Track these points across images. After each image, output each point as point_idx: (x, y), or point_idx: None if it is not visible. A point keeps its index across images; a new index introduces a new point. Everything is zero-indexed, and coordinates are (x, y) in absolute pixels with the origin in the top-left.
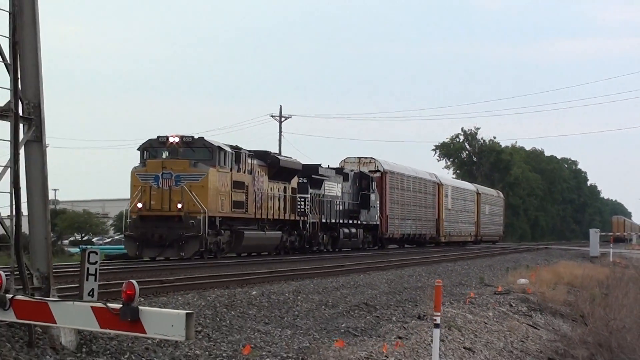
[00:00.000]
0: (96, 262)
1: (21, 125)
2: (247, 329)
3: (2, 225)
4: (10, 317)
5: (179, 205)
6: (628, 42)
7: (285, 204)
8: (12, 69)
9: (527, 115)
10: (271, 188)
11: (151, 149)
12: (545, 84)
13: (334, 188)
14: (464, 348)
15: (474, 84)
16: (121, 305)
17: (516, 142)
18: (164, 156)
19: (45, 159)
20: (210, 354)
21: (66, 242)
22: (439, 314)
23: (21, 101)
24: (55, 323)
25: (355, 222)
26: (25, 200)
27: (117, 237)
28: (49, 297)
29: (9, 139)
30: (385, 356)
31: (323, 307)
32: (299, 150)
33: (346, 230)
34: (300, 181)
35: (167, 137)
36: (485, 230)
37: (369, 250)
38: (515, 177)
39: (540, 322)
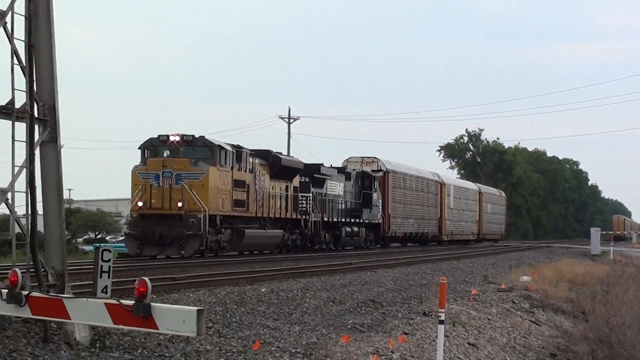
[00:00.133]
0: (109, 260)
1: (37, 127)
2: (257, 325)
3: (18, 223)
4: (26, 313)
5: (180, 204)
6: (628, 46)
7: (287, 203)
8: (27, 71)
9: (530, 117)
10: (273, 187)
11: (152, 147)
12: (547, 86)
13: (336, 187)
14: (468, 344)
15: (478, 87)
16: (134, 302)
17: (519, 143)
18: (164, 155)
19: (60, 159)
20: (221, 349)
21: (80, 240)
22: (443, 310)
23: (37, 103)
24: (70, 319)
25: (357, 220)
26: (41, 199)
27: None
28: (63, 294)
29: (25, 139)
30: (391, 351)
31: (331, 303)
32: (307, 150)
33: (348, 229)
34: (302, 180)
35: (167, 136)
36: (487, 228)
37: (372, 248)
38: (518, 177)
39: (543, 318)
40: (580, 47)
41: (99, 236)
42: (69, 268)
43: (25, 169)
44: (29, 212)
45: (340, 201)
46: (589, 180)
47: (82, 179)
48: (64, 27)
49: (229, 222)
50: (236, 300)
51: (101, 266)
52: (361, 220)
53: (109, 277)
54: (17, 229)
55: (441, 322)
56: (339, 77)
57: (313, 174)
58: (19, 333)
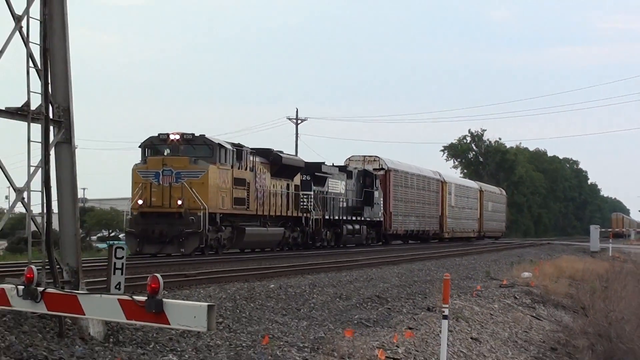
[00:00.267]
0: (122, 257)
1: (51, 128)
2: (266, 320)
3: (33, 222)
4: (41, 309)
5: (179, 202)
6: (625, 49)
7: (288, 201)
8: (43, 74)
9: (531, 118)
10: (274, 185)
11: (152, 146)
12: (547, 88)
13: (337, 185)
14: (471, 338)
15: (481, 88)
16: (146, 298)
17: (520, 143)
18: (165, 153)
19: (75, 160)
20: (231, 344)
21: (94, 238)
22: (447, 306)
23: (51, 105)
24: (84, 315)
25: (358, 218)
26: (56, 198)
27: None
28: (78, 290)
29: (40, 140)
30: (397, 346)
31: (337, 299)
32: (314, 151)
33: (349, 227)
34: (303, 178)
35: (167, 135)
36: (488, 226)
37: (373, 246)
38: (519, 176)
39: (543, 313)
40: (580, 50)
41: (112, 234)
42: (83, 265)
43: (40, 169)
44: (44, 210)
45: (341, 199)
46: (588, 179)
47: (96, 178)
48: (78, 28)
49: (229, 220)
50: (246, 296)
51: (114, 263)
52: (362, 218)
53: (122, 274)
54: (33, 227)
55: (445, 317)
56: (345, 80)
57: (314, 172)
58: (35, 328)
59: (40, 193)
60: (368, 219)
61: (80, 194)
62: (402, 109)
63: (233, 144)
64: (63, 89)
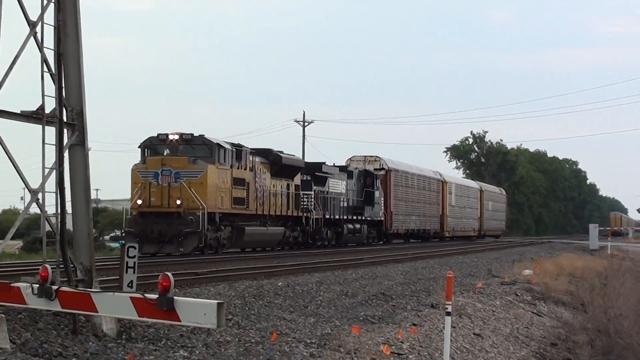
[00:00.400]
0: (135, 256)
1: (65, 131)
2: (274, 317)
3: (48, 222)
4: (56, 306)
5: (178, 202)
6: (623, 51)
7: (288, 201)
8: (57, 78)
9: (531, 120)
10: (274, 185)
11: (151, 146)
12: (548, 90)
13: (338, 185)
14: (474, 334)
15: (483, 91)
16: (158, 296)
17: (521, 144)
18: (164, 153)
19: (88, 161)
20: (240, 340)
21: (107, 237)
22: (450, 302)
23: (65, 108)
24: (97, 312)
25: (359, 218)
26: (70, 199)
27: None
28: (91, 288)
29: (55, 143)
30: (401, 342)
31: (343, 296)
32: (320, 152)
33: (350, 226)
34: (304, 178)
35: (166, 135)
36: (488, 225)
37: (374, 245)
38: (520, 176)
39: (544, 310)
40: (579, 53)
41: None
42: (96, 264)
43: (55, 171)
44: (59, 211)
45: (342, 199)
46: (587, 179)
47: (109, 179)
48: (91, 35)
49: (229, 220)
50: (254, 293)
51: (127, 262)
52: (363, 218)
53: (134, 273)
54: (48, 227)
55: (448, 313)
56: (350, 83)
57: (315, 172)
58: (50, 325)
59: (54, 194)
60: (369, 219)
61: (93, 195)
62: (406, 111)
63: (233, 144)
64: (76, 93)
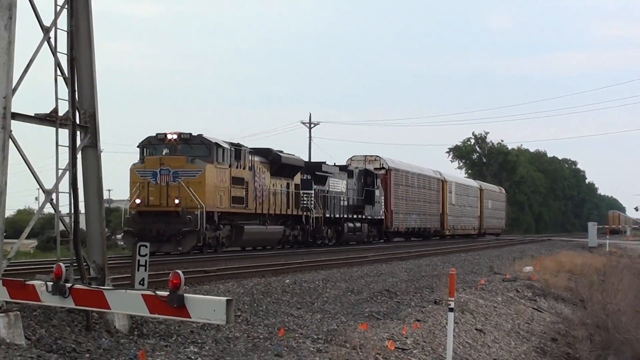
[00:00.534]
0: (146, 255)
1: (78, 133)
2: (282, 314)
3: (62, 222)
4: (69, 304)
5: (176, 201)
6: (620, 54)
7: (288, 200)
8: (70, 82)
9: (532, 121)
10: (273, 184)
11: (150, 146)
12: (547, 92)
13: (338, 184)
14: (476, 329)
15: (484, 93)
16: (168, 293)
17: (522, 144)
18: (163, 153)
19: (100, 163)
20: (249, 335)
21: (119, 236)
22: (453, 299)
23: (78, 111)
24: (110, 309)
25: (360, 216)
26: (83, 199)
27: None
28: (104, 286)
29: (68, 145)
30: (405, 337)
31: (349, 293)
32: (326, 152)
33: (351, 225)
34: (304, 178)
35: (165, 134)
36: (488, 223)
37: (375, 243)
38: (521, 176)
39: (544, 306)
40: (577, 55)
41: None
42: (108, 262)
43: (68, 172)
44: (72, 211)
45: (342, 198)
46: (586, 178)
47: (121, 180)
48: (104, 41)
49: (228, 219)
50: (262, 290)
51: (138, 260)
52: (364, 216)
53: (145, 270)
54: (61, 227)
55: (451, 309)
56: (356, 86)
57: (315, 171)
58: (64, 322)
59: (68, 194)
60: (369, 217)
61: (105, 195)
62: (409, 113)
63: (231, 144)
64: (89, 96)
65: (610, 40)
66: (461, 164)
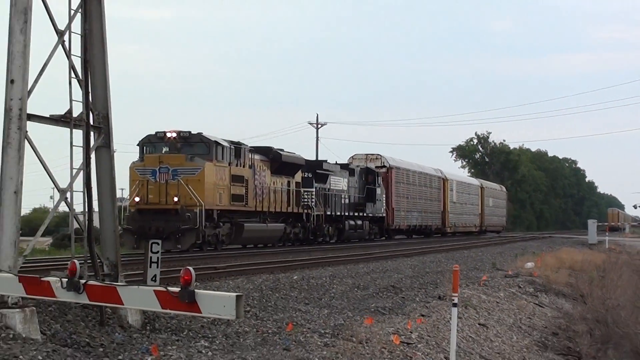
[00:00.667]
0: (158, 252)
1: (92, 133)
2: (290, 309)
3: (76, 220)
4: (83, 299)
5: (175, 199)
6: (619, 56)
7: (289, 197)
8: (83, 84)
9: (533, 121)
10: (274, 182)
11: (150, 144)
12: (548, 93)
13: (339, 182)
14: (479, 324)
15: (486, 94)
16: (180, 289)
17: (523, 144)
18: (162, 151)
19: (113, 162)
20: (258, 330)
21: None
22: (456, 294)
23: (92, 112)
24: (123, 304)
25: (361, 214)
26: (96, 198)
27: None
28: (117, 282)
29: (82, 145)
30: (410, 332)
31: (355, 289)
32: (333, 152)
33: (352, 222)
34: (305, 176)
35: (164, 133)
36: (489, 221)
37: (376, 240)
38: (522, 175)
39: (545, 301)
40: (577, 57)
41: None
42: (121, 259)
43: (82, 171)
44: (86, 209)
45: (343, 196)
46: (586, 177)
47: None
48: (117, 44)
49: (227, 217)
50: (271, 286)
51: (150, 257)
52: (365, 214)
53: (157, 267)
54: (76, 225)
55: (454, 305)
56: (362, 88)
57: (316, 169)
58: (78, 317)
59: (82, 193)
60: (370, 215)
61: (118, 194)
62: (414, 114)
63: (231, 142)
64: (102, 98)
65: (610, 42)
66: (464, 163)
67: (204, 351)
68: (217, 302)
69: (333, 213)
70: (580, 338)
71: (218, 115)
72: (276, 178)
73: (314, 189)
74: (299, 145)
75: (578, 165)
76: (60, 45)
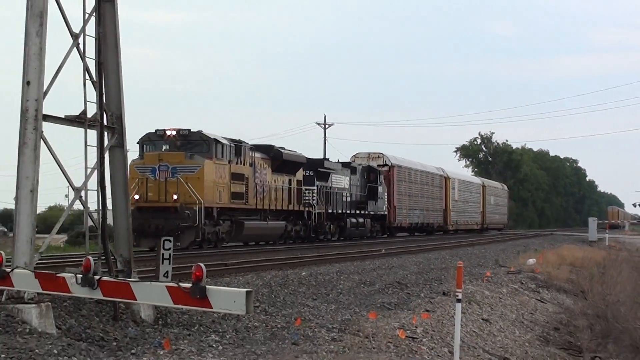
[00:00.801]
0: (170, 249)
1: (106, 134)
2: (298, 304)
3: (90, 217)
4: (98, 295)
5: (175, 197)
6: (619, 58)
7: (290, 196)
8: (97, 85)
9: (535, 122)
10: (275, 180)
11: (149, 142)
12: (550, 94)
13: (341, 180)
14: (482, 319)
15: (489, 96)
16: (191, 285)
17: (525, 144)
18: (162, 149)
19: (127, 162)
20: (267, 325)
21: None
22: (460, 290)
23: (105, 113)
24: (136, 300)
25: (363, 212)
26: (110, 196)
27: None
28: (130, 278)
29: (96, 145)
30: (415, 326)
31: (362, 285)
32: (341, 152)
33: (353, 220)
34: (306, 174)
35: (164, 131)
36: (490, 219)
37: (378, 238)
38: (524, 174)
39: (547, 297)
40: (578, 59)
41: None
42: (134, 256)
43: (96, 171)
44: (100, 207)
45: (345, 194)
46: (586, 176)
47: None
48: (131, 47)
49: (228, 214)
50: (280, 282)
51: (163, 254)
52: (367, 212)
53: (169, 264)
54: (90, 222)
55: (458, 300)
56: (369, 89)
57: (317, 168)
58: (92, 312)
59: (96, 192)
60: (372, 213)
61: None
62: (419, 114)
63: (232, 140)
64: (116, 99)
65: (611, 45)
66: (468, 162)
67: (214, 345)
68: (227, 297)
69: (334, 211)
70: (581, 333)
71: (225, 116)
72: (277, 176)
73: (315, 187)
74: (306, 146)
75: (579, 164)
76: (75, 48)
